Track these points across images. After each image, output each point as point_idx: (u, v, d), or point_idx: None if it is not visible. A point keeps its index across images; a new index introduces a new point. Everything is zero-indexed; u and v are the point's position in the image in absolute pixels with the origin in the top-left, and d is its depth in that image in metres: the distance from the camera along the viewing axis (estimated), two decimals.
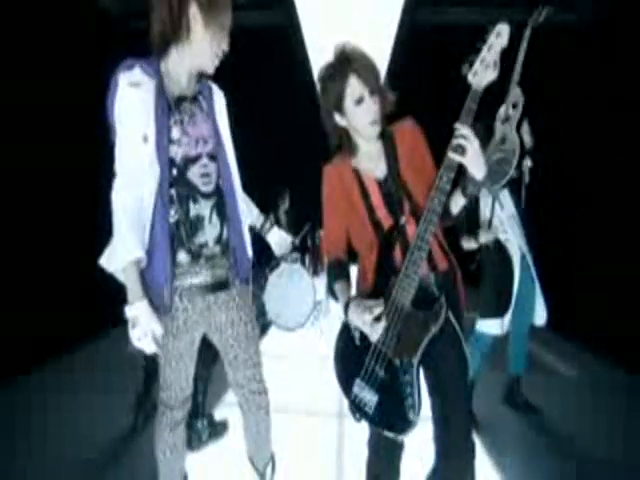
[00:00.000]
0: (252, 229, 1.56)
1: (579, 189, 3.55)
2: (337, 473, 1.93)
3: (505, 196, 2.36)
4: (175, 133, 1.25)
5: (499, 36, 1.03)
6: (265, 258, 3.91)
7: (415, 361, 1.15)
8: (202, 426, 2.12)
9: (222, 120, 1.40)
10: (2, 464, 1.95)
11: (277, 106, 5.21)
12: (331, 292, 1.32)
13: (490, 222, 2.27)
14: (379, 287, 1.21)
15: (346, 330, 1.29)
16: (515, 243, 2.30)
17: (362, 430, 1.38)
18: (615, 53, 3.25)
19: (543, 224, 2.48)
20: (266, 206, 1.68)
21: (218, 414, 2.30)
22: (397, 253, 1.22)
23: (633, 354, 2.77)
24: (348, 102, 1.19)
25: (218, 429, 2.20)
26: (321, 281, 4.72)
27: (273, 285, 3.96)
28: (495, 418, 2.36)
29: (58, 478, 1.88)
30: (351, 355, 1.27)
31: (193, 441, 2.04)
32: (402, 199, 1.23)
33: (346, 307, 1.21)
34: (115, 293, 1.33)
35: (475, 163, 1.08)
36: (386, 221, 1.24)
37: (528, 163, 2.32)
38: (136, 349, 1.22)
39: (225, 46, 1.28)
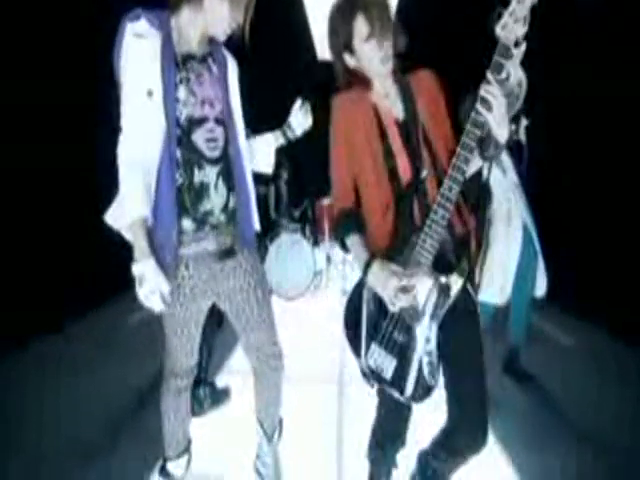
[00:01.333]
0: (285, 147, 1.52)
1: (580, 157, 3.48)
2: (337, 439, 1.97)
3: (507, 162, 2.30)
4: (181, 91, 1.20)
5: None
6: (265, 228, 3.87)
7: (435, 326, 1.12)
8: (204, 393, 2.15)
9: (233, 86, 1.35)
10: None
11: (275, 71, 5.05)
12: (343, 246, 1.23)
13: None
14: (397, 248, 1.14)
15: (360, 291, 1.23)
16: (517, 212, 2.26)
17: (362, 397, 1.39)
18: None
19: (543, 193, 2.43)
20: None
21: (220, 381, 2.34)
22: (416, 211, 1.14)
23: (632, 324, 2.79)
24: (357, 41, 1.14)
25: (220, 396, 2.23)
26: (321, 251, 4.71)
27: (273, 255, 3.96)
28: (495, 387, 2.38)
29: (58, 455, 1.83)
30: (366, 318, 1.22)
31: (195, 408, 2.07)
32: (422, 148, 1.15)
33: (367, 267, 1.13)
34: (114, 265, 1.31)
35: (500, 122, 1.02)
36: (405, 173, 1.16)
37: (524, 122, 2.24)
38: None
39: (240, 19, 1.22)
